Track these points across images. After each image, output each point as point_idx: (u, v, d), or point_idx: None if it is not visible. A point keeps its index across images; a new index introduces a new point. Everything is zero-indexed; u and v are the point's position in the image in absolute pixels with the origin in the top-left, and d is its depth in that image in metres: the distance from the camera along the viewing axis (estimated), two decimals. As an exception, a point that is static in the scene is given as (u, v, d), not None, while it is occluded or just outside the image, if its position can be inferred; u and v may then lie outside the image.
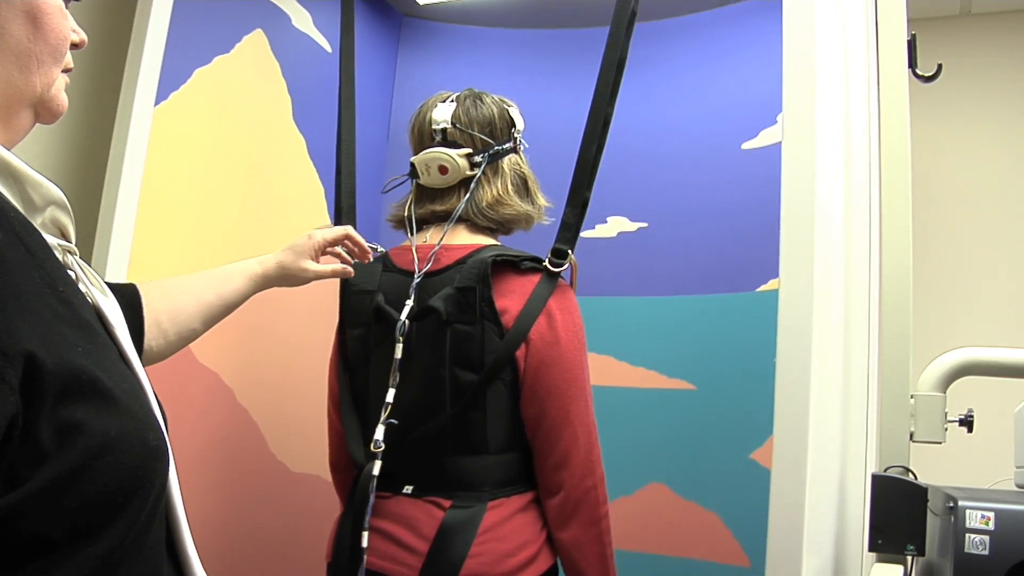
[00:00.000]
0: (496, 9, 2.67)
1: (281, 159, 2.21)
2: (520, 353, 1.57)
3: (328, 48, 2.40)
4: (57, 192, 0.83)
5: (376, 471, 1.58)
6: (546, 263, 1.63)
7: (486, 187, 1.70)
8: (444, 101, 1.74)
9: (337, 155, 1.86)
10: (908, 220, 1.53)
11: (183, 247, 1.90)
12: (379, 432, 1.58)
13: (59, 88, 0.91)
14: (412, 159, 1.74)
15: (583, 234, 2.53)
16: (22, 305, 0.69)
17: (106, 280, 1.33)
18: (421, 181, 1.72)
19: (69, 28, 0.91)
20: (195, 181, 1.93)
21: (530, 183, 1.77)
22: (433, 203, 1.71)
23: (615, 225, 2.56)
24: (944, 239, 3.49)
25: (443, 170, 1.68)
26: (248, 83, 2.10)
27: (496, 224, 1.71)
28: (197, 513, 1.89)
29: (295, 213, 2.25)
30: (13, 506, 0.65)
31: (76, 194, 1.89)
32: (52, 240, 0.83)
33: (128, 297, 1.32)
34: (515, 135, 1.76)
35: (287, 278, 1.61)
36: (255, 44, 2.13)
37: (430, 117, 1.73)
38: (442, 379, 1.58)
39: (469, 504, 1.56)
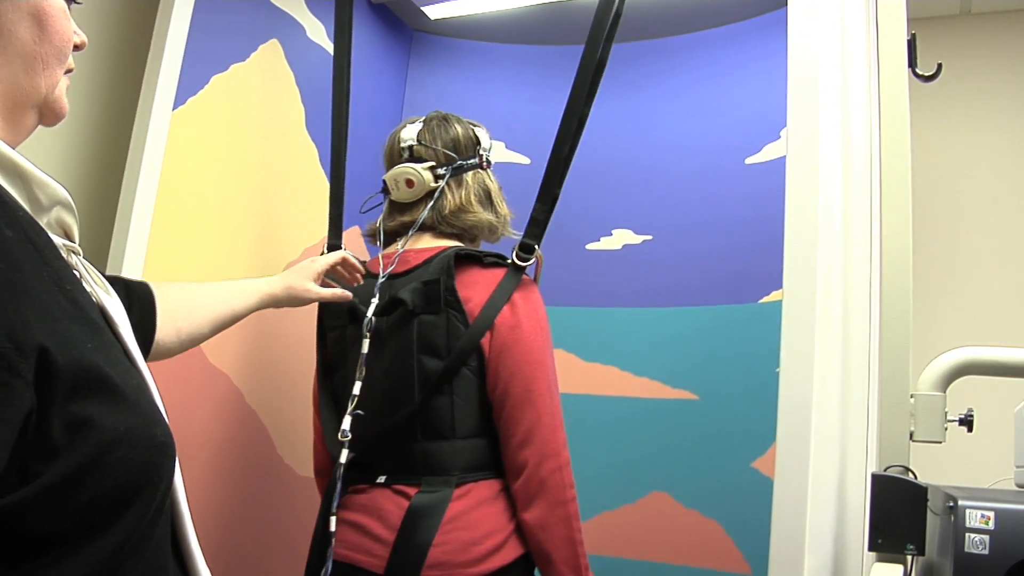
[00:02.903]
0: (506, 25, 2.72)
1: (293, 166, 2.25)
2: (485, 340, 1.63)
3: (341, 60, 2.43)
4: (63, 192, 0.85)
5: (343, 459, 1.64)
6: (512, 257, 1.69)
7: (449, 197, 1.78)
8: (413, 123, 1.85)
9: (331, 164, 1.95)
10: (908, 219, 1.55)
11: (197, 250, 1.93)
12: (346, 423, 1.65)
13: (62, 90, 0.92)
14: (384, 176, 1.84)
15: (588, 246, 2.59)
16: (33, 301, 0.70)
17: (121, 277, 1.37)
18: (392, 196, 1.82)
19: (71, 30, 0.92)
20: (210, 185, 1.97)
21: (493, 194, 1.85)
22: (402, 215, 1.81)
23: (620, 238, 2.59)
24: (944, 239, 3.49)
25: (409, 183, 1.77)
26: (263, 91, 2.14)
27: (459, 231, 1.79)
28: (204, 512, 1.92)
29: (306, 220, 2.28)
30: (25, 500, 0.66)
31: (94, 196, 1.93)
32: (57, 240, 0.84)
33: (141, 294, 1.36)
34: (481, 152, 1.85)
35: (292, 299, 1.72)
36: (270, 53, 2.17)
37: (398, 137, 1.84)
38: (410, 368, 1.64)
39: (436, 488, 1.60)
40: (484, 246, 1.84)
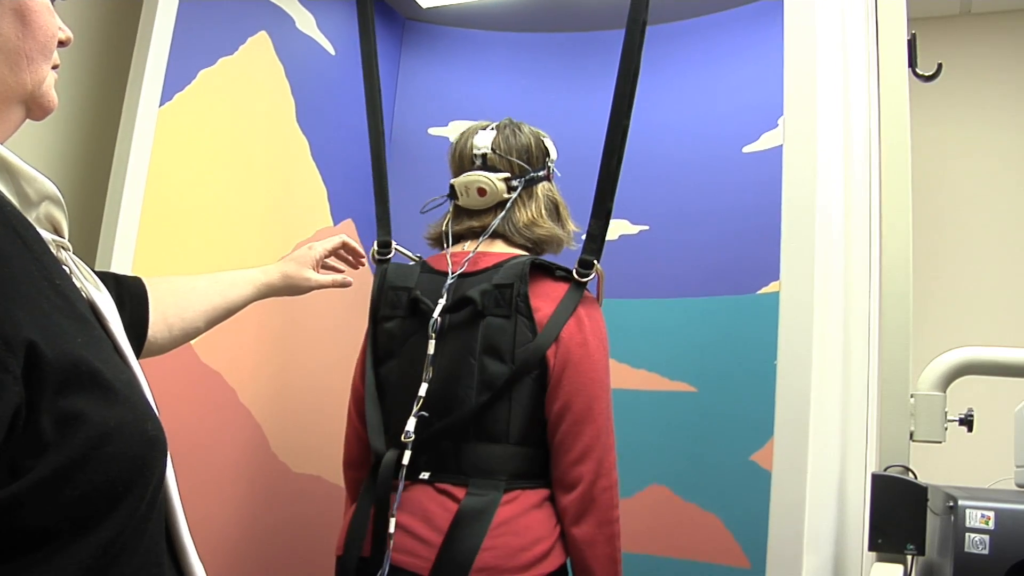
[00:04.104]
0: (498, 13, 2.68)
1: (284, 160, 2.22)
2: (551, 351, 1.62)
3: (331, 50, 2.41)
4: (51, 187, 0.84)
5: (406, 460, 1.62)
6: (574, 273, 1.69)
7: (521, 209, 1.79)
8: (484, 129, 1.84)
9: (373, 164, 1.95)
10: (908, 219, 1.53)
11: (186, 246, 1.91)
12: (410, 424, 1.63)
13: (49, 85, 0.91)
14: (452, 181, 1.83)
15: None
16: (21, 296, 0.70)
17: (112, 273, 1.35)
18: (460, 202, 1.82)
19: (56, 25, 0.91)
20: (199, 181, 1.94)
21: (561, 209, 1.86)
22: (471, 220, 1.81)
23: (617, 228, 2.56)
24: (944, 239, 3.49)
25: (481, 192, 1.77)
26: (252, 85, 2.11)
27: (530, 243, 1.79)
28: (197, 511, 1.91)
29: (297, 214, 2.26)
30: (15, 496, 0.66)
31: (81, 192, 1.91)
32: (47, 235, 0.83)
33: (134, 290, 1.35)
34: (549, 163, 1.86)
35: (290, 288, 1.69)
36: (259, 46, 2.14)
37: (471, 143, 1.83)
38: (471, 367, 1.64)
39: (484, 492, 1.59)
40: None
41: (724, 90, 2.52)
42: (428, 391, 1.65)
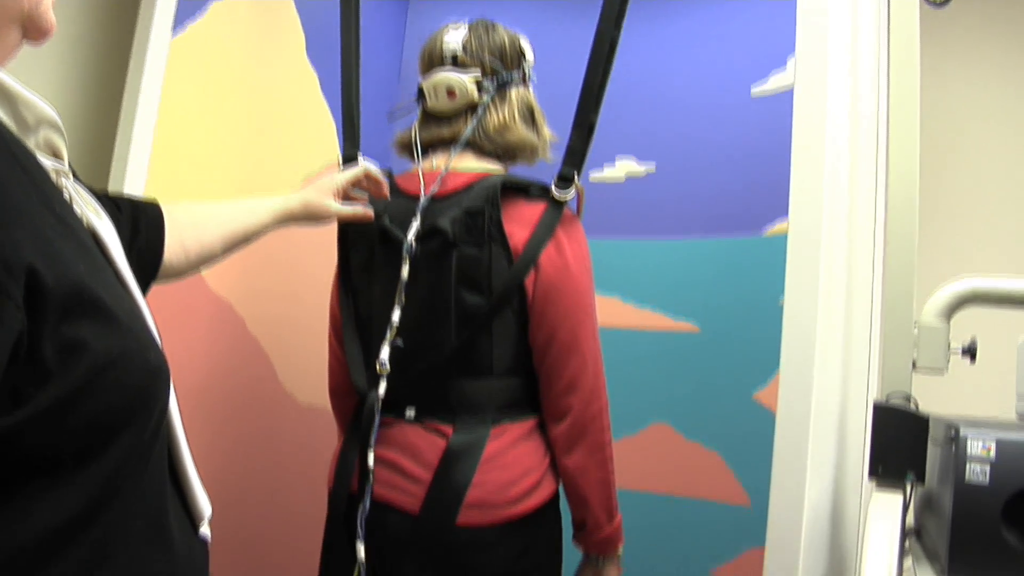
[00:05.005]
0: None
1: (293, 94, 2.22)
2: (530, 280, 1.57)
3: (341, -14, 2.39)
4: (50, 112, 0.82)
5: (382, 392, 1.58)
6: (552, 190, 1.62)
7: (493, 113, 1.68)
8: (456, 28, 1.73)
9: (341, 65, 1.84)
10: (916, 148, 1.53)
11: (197, 178, 1.92)
12: (384, 353, 1.59)
13: (47, 6, 0.87)
14: (420, 83, 1.73)
15: (592, 177, 2.56)
16: (22, 222, 0.68)
17: (129, 197, 1.35)
18: (428, 105, 1.71)
19: None
20: (209, 113, 1.95)
21: (536, 115, 1.75)
22: (440, 127, 1.70)
23: (623, 167, 2.56)
24: (951, 168, 3.46)
25: (451, 94, 1.67)
26: (263, 17, 2.10)
27: (501, 150, 1.69)
28: (202, 440, 1.93)
29: (306, 147, 2.27)
30: (18, 424, 0.65)
31: (93, 123, 1.91)
32: (47, 162, 0.82)
33: (150, 213, 1.34)
34: (525, 67, 1.75)
35: (310, 216, 1.64)
36: (270, -22, 2.13)
37: (441, 41, 1.72)
38: (447, 302, 1.58)
39: (472, 429, 1.57)
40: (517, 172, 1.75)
41: (733, 29, 2.51)
42: (403, 322, 1.60)
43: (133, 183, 1.75)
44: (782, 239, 1.54)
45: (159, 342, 0.84)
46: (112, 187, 1.74)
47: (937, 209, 3.37)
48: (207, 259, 1.47)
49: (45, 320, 0.67)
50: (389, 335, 1.60)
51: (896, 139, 1.53)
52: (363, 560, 1.53)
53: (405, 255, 1.60)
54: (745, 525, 2.28)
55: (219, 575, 1.60)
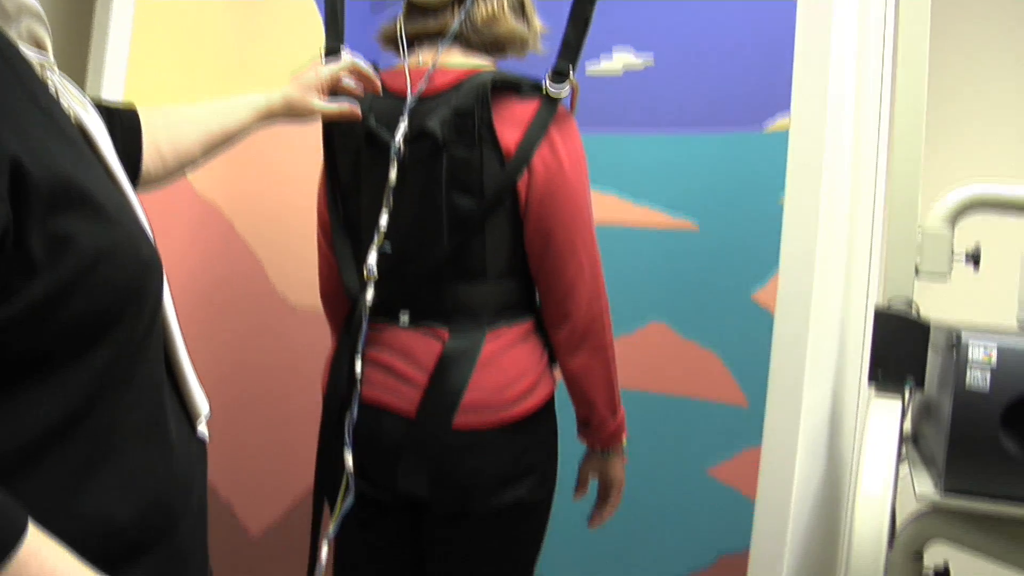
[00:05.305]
0: None
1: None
2: (523, 182, 1.52)
3: None
4: (31, 1, 0.79)
5: (370, 297, 1.56)
6: (546, 86, 1.54)
7: (481, 4, 1.60)
8: None
9: None
10: (925, 45, 1.48)
11: (178, 77, 1.85)
12: (371, 258, 1.55)
13: None
14: None
15: (589, 70, 2.49)
16: (5, 114, 0.67)
17: (104, 103, 1.30)
18: None
19: None
20: (189, 4, 1.87)
21: (527, 4, 1.67)
22: (426, 20, 1.62)
23: (621, 59, 2.49)
24: (958, 73, 3.39)
25: None
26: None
27: (490, 44, 1.62)
28: (195, 344, 1.90)
29: (290, 40, 2.19)
30: (8, 317, 0.65)
31: (65, 24, 1.83)
32: (30, 55, 0.79)
33: (126, 121, 1.30)
34: None
35: (293, 114, 1.56)
36: None
37: None
38: (438, 206, 1.53)
39: (467, 333, 1.55)
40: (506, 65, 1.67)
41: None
42: (393, 227, 1.56)
43: (110, 87, 1.68)
44: (783, 135, 1.49)
45: (151, 236, 0.82)
46: (91, 83, 1.68)
47: (945, 113, 3.30)
48: (186, 163, 1.42)
49: (31, 213, 0.66)
50: (377, 240, 1.56)
51: (905, 35, 1.47)
52: (351, 469, 1.53)
53: (393, 158, 1.55)
54: (742, 425, 2.28)
55: (216, 475, 1.60)
